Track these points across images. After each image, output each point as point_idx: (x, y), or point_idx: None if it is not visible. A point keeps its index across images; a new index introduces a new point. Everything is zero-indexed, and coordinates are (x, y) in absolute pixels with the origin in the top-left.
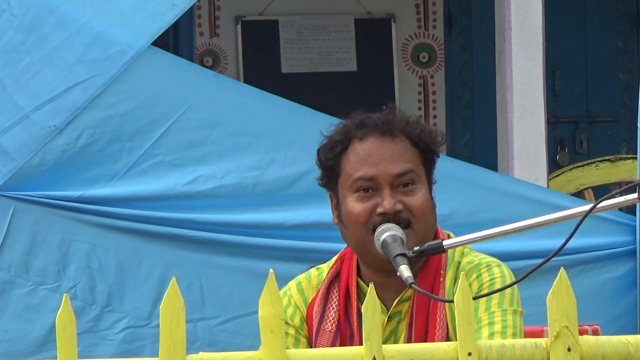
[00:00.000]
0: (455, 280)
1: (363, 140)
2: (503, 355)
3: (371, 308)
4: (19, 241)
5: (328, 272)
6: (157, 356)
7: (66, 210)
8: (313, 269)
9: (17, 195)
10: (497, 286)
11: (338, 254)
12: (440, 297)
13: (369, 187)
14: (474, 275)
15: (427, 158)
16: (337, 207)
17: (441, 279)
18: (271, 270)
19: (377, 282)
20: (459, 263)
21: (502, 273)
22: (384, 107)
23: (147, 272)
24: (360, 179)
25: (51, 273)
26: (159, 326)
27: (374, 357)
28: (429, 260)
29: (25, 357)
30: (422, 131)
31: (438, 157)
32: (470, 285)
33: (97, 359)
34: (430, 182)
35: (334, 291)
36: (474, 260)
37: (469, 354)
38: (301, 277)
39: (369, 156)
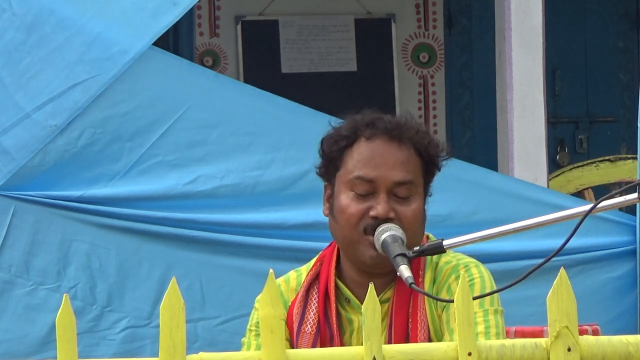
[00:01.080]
0: (434, 280)
1: (370, 141)
2: (503, 355)
3: (371, 308)
4: (20, 241)
5: (307, 274)
6: (157, 356)
7: (66, 210)
8: (292, 271)
9: (18, 195)
10: (477, 287)
11: (317, 256)
12: (439, 298)
13: (366, 188)
14: (453, 277)
15: (428, 170)
16: (329, 198)
17: (420, 280)
18: (271, 271)
19: (359, 282)
20: (437, 264)
21: (480, 273)
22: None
23: (148, 272)
24: (359, 178)
25: (51, 273)
26: (159, 326)
27: (374, 357)
28: (410, 262)
29: (26, 357)
30: (429, 142)
31: (439, 170)
32: (449, 286)
33: (97, 359)
34: (425, 194)
35: (314, 293)
36: (451, 261)
37: (469, 354)
38: (279, 280)
39: (373, 158)
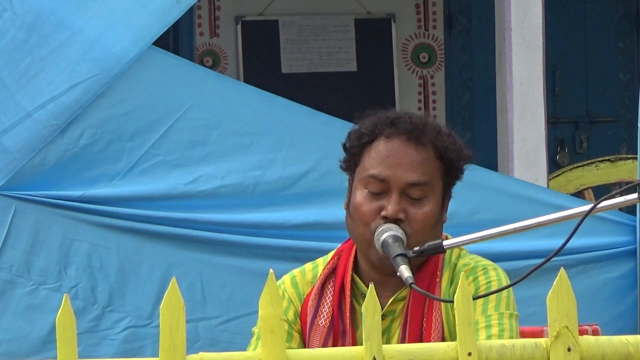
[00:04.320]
0: (451, 281)
1: (388, 140)
2: (503, 355)
3: (371, 308)
4: (20, 241)
5: (324, 268)
6: (158, 356)
7: (67, 209)
8: (308, 263)
9: (19, 195)
10: (493, 289)
11: (335, 249)
12: (439, 297)
13: (379, 187)
14: (471, 278)
15: (449, 173)
16: (350, 192)
17: (437, 280)
18: (271, 271)
19: (374, 280)
20: (455, 265)
21: (498, 276)
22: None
23: (149, 271)
24: (372, 177)
25: (52, 273)
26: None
27: (374, 357)
28: (427, 261)
29: (27, 357)
30: (450, 145)
31: (462, 173)
32: None
33: (98, 359)
34: (445, 197)
35: (329, 286)
36: (470, 263)
37: (469, 354)
38: (295, 271)
39: (388, 157)
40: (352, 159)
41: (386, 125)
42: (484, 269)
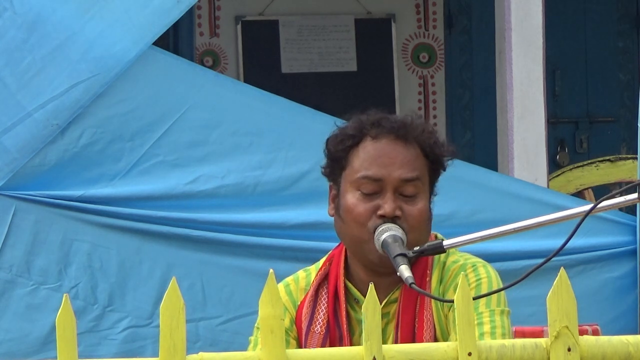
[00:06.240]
0: (441, 280)
1: (376, 140)
2: (503, 355)
3: (371, 308)
4: (21, 241)
5: (317, 274)
6: (158, 356)
7: (67, 209)
8: (301, 270)
9: (19, 195)
10: (484, 287)
11: (326, 256)
12: (440, 298)
13: (372, 187)
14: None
15: (434, 170)
16: (335, 198)
17: (427, 279)
18: (271, 271)
19: (367, 282)
20: (444, 263)
21: (488, 274)
22: (407, 113)
23: (149, 271)
24: (366, 178)
25: (53, 273)
26: None
27: (374, 357)
28: (417, 261)
29: (27, 357)
30: (435, 142)
31: (444, 170)
32: (457, 286)
33: (98, 359)
34: (431, 194)
35: (323, 293)
36: (459, 260)
37: (469, 354)
38: (289, 279)
39: (380, 157)
40: (337, 163)
41: (371, 126)
42: (473, 266)
